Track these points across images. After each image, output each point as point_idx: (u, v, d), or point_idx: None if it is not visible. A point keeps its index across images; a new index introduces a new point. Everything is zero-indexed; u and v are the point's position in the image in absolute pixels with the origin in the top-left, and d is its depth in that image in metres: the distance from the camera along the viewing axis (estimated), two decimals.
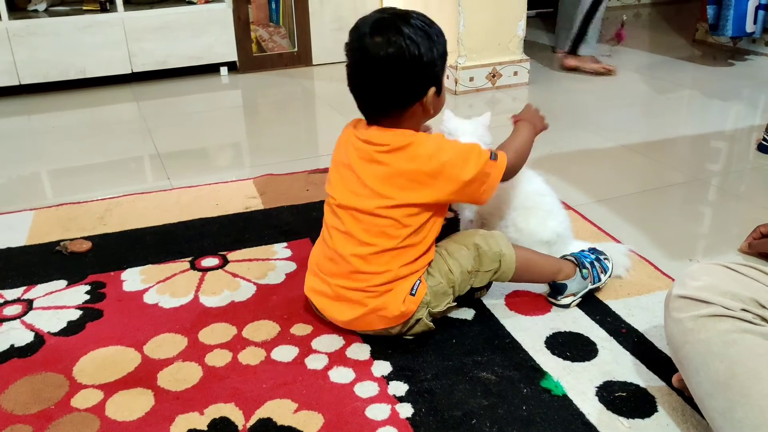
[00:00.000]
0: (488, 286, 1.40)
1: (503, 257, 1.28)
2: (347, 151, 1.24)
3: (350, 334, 1.29)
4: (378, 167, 1.19)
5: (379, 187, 1.19)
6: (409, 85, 1.16)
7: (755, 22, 2.99)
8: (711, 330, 0.95)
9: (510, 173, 1.28)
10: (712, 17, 3.08)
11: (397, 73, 1.14)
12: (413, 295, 1.21)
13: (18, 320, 1.37)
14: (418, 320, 1.24)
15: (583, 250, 1.43)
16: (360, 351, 1.25)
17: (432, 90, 1.18)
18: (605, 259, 1.42)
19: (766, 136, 2.14)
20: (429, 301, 1.24)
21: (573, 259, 1.39)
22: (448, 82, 2.91)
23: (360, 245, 1.21)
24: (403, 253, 1.21)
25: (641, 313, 1.34)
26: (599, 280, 1.39)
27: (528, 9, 2.88)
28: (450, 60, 2.84)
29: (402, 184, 1.19)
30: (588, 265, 1.38)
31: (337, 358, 1.23)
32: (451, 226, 1.60)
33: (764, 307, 0.95)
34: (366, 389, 1.15)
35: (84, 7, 3.03)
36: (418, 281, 1.23)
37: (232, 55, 3.22)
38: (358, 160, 1.22)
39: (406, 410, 1.10)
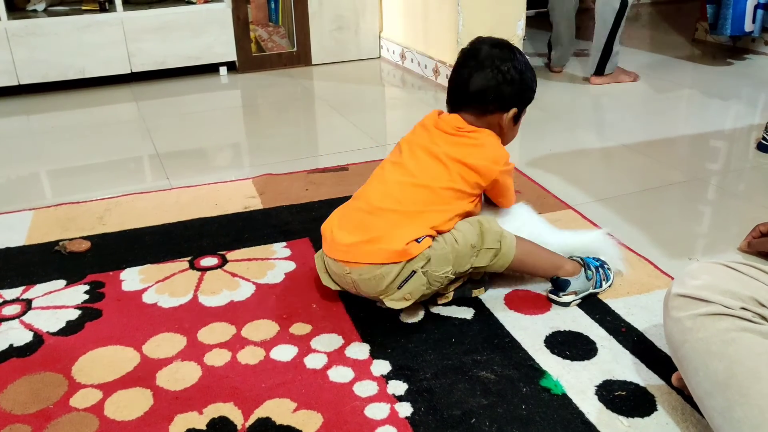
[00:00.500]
0: (486, 285, 1.40)
1: (503, 238, 1.31)
2: (425, 136, 1.37)
3: (350, 333, 1.29)
4: (453, 137, 1.35)
5: (450, 149, 1.33)
6: (499, 93, 1.35)
7: (754, 21, 2.99)
8: (710, 329, 0.94)
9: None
10: (711, 16, 3.08)
11: (496, 78, 1.34)
12: (418, 242, 1.25)
13: (17, 320, 1.36)
14: (413, 273, 1.25)
15: (588, 257, 1.43)
16: (359, 350, 1.25)
17: (514, 111, 1.37)
18: (608, 268, 1.43)
19: (765, 135, 2.14)
20: (429, 258, 1.26)
21: (579, 259, 1.39)
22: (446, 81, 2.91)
23: (406, 174, 1.33)
24: (433, 206, 1.29)
25: (641, 312, 1.34)
26: (600, 286, 1.39)
27: (527, 9, 2.88)
28: (450, 59, 2.86)
29: (468, 152, 1.33)
30: (593, 269, 1.38)
31: (337, 357, 1.23)
32: None
33: (764, 305, 0.95)
34: (365, 388, 1.15)
35: (83, 7, 3.03)
36: (425, 237, 1.27)
37: (232, 55, 3.23)
38: (437, 132, 1.36)
39: (405, 409, 1.10)
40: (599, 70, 2.91)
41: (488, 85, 1.34)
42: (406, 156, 1.36)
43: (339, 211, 1.38)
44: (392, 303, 1.27)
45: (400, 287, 1.26)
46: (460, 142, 1.35)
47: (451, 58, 2.85)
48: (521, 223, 1.47)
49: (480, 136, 1.35)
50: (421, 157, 1.34)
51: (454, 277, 1.31)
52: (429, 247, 1.26)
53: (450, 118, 1.37)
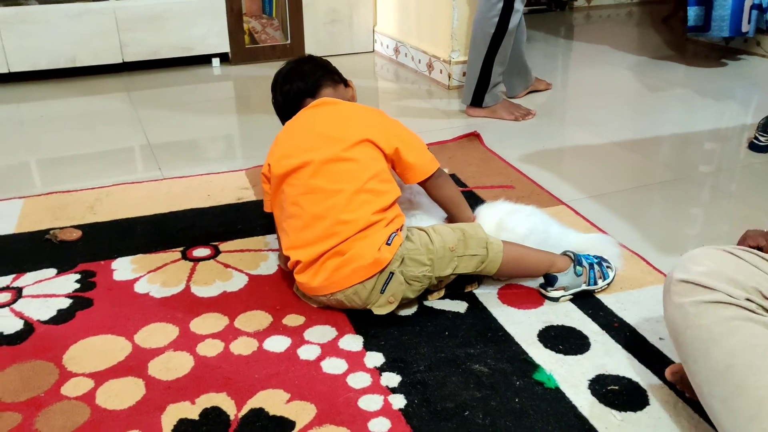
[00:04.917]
0: (480, 279, 1.40)
1: (490, 244, 1.31)
2: (296, 123, 1.44)
3: (343, 325, 1.29)
4: (327, 108, 1.43)
5: (333, 130, 1.36)
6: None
7: (749, 22, 2.99)
8: (712, 316, 0.93)
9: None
10: (694, 18, 3.03)
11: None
12: (389, 245, 1.25)
13: (7, 308, 1.35)
14: (392, 275, 1.25)
15: (588, 254, 1.42)
16: (353, 342, 1.25)
17: None
18: (608, 267, 1.41)
19: (757, 135, 2.15)
20: (403, 257, 1.26)
21: (571, 254, 1.39)
22: (441, 77, 2.90)
23: (330, 196, 1.29)
24: (372, 200, 1.28)
25: (633, 307, 1.35)
26: (595, 283, 1.37)
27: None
28: (443, 54, 2.85)
29: (352, 120, 1.39)
30: (586, 265, 1.37)
31: (330, 348, 1.23)
32: None
33: (767, 297, 0.94)
34: (359, 380, 1.15)
35: None
36: (395, 234, 1.27)
37: (225, 47, 3.21)
38: (308, 115, 1.42)
39: (398, 401, 1.10)
40: (476, 102, 2.51)
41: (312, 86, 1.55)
42: (311, 183, 1.31)
43: (294, 251, 1.32)
44: (379, 310, 1.28)
45: (382, 291, 1.27)
46: (342, 110, 1.45)
47: (446, 53, 2.85)
48: (529, 211, 1.50)
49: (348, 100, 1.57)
50: (327, 170, 1.32)
51: (434, 277, 1.30)
52: (401, 244, 1.26)
53: (315, 103, 1.48)
